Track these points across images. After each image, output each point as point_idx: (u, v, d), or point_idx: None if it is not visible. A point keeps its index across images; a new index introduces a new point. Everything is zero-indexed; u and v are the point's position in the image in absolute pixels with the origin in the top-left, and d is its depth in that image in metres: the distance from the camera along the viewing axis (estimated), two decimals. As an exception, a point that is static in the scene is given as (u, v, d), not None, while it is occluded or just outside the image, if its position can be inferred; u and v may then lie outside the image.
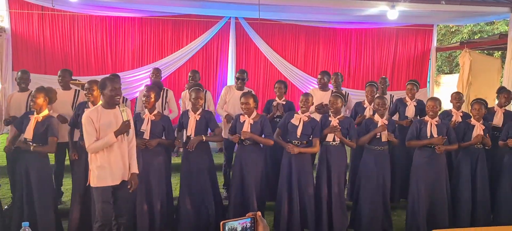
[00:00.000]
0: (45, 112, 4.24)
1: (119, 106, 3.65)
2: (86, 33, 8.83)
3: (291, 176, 4.57)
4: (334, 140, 4.68)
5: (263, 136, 4.55)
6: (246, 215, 1.81)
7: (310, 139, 4.64)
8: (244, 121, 4.54)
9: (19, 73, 5.18)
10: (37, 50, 8.64)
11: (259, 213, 1.83)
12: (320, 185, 4.70)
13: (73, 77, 5.49)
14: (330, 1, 7.66)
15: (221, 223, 1.73)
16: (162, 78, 8.72)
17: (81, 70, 8.75)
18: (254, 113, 4.58)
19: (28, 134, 4.16)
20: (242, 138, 4.48)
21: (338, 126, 4.65)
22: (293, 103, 5.67)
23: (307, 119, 4.59)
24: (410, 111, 5.69)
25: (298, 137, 4.55)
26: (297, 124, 4.56)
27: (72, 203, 4.43)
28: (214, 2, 7.40)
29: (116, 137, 3.51)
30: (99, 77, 5.43)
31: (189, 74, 6.20)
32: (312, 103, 4.76)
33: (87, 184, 3.72)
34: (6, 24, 8.50)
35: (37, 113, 4.20)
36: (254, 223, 1.80)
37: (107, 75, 3.74)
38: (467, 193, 4.90)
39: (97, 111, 3.56)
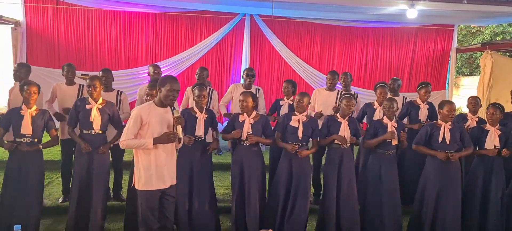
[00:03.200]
0: (35, 106, 4.21)
1: (172, 108, 3.58)
2: (100, 28, 8.81)
3: (291, 177, 4.44)
4: (344, 144, 4.53)
5: (262, 136, 4.46)
6: None
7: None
8: (244, 120, 4.40)
9: (16, 66, 5.19)
10: (51, 45, 8.65)
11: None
12: (329, 190, 4.54)
13: (84, 72, 5.46)
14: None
15: None
16: (176, 75, 8.71)
17: (94, 65, 8.73)
18: (254, 113, 4.45)
19: (27, 129, 4.13)
20: (247, 140, 4.37)
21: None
22: None
23: (305, 119, 4.46)
24: (423, 114, 5.48)
25: (300, 138, 4.42)
26: (296, 126, 4.42)
27: (70, 201, 4.35)
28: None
29: (154, 144, 3.37)
30: (113, 73, 5.40)
31: (196, 71, 6.06)
32: (308, 103, 4.59)
33: (132, 186, 3.63)
34: (21, 17, 8.53)
35: (29, 108, 4.16)
36: None
37: (167, 75, 3.66)
38: (478, 203, 4.69)
39: (149, 107, 3.45)
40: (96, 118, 4.23)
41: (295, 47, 9.46)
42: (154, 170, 3.44)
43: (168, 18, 9.00)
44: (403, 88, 9.07)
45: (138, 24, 8.95)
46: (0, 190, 4.37)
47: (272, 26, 9.22)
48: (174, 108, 3.53)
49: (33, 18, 8.57)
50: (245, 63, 9.07)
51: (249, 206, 4.39)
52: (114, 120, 4.39)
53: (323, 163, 5.33)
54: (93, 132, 4.26)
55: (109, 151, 4.61)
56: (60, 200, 5.24)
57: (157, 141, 3.37)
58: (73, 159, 4.96)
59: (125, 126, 4.00)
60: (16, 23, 8.50)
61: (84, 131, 4.26)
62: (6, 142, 4.16)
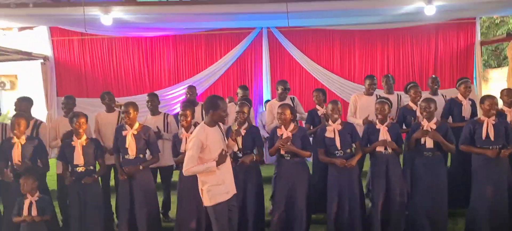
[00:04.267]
0: (85, 136, 4.38)
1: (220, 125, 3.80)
2: (123, 55, 9.13)
3: (341, 191, 4.39)
4: (386, 149, 4.44)
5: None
6: None
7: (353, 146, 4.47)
8: (282, 134, 4.39)
9: (64, 99, 5.35)
10: (78, 75, 9.01)
11: None
12: (376, 198, 4.47)
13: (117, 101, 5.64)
14: (360, 3, 7.44)
15: None
16: (198, 95, 8.86)
17: (120, 91, 9.01)
18: (292, 126, 4.42)
19: (79, 159, 4.32)
20: (283, 149, 4.34)
21: (386, 139, 4.42)
22: None
23: (340, 127, 4.41)
24: (467, 111, 5.18)
25: (339, 148, 4.37)
26: (332, 136, 4.38)
27: (119, 225, 4.51)
28: (244, 13, 7.39)
29: (217, 166, 3.56)
30: (137, 98, 5.58)
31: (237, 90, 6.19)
32: (340, 110, 4.51)
33: (205, 206, 3.77)
34: (49, 52, 8.91)
35: (79, 138, 4.32)
36: None
37: (213, 95, 3.85)
38: None
39: (204, 130, 3.61)
40: (131, 144, 4.36)
41: (315, 55, 9.47)
42: (220, 184, 3.64)
43: (188, 39, 9.22)
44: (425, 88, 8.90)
45: (159, 48, 9.21)
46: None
47: (290, 37, 9.27)
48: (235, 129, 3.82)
49: (60, 51, 8.97)
50: (266, 76, 9.14)
51: (296, 221, 4.36)
52: (149, 143, 4.49)
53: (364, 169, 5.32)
54: (129, 157, 4.39)
55: (153, 174, 4.79)
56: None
57: (219, 163, 3.56)
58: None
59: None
60: (45, 58, 8.89)
61: (125, 157, 4.42)
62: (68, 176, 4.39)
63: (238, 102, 4.70)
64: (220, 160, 3.56)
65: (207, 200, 3.63)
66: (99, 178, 4.65)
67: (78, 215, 4.32)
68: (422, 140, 4.40)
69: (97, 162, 4.53)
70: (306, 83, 9.42)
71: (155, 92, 8.99)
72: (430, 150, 4.40)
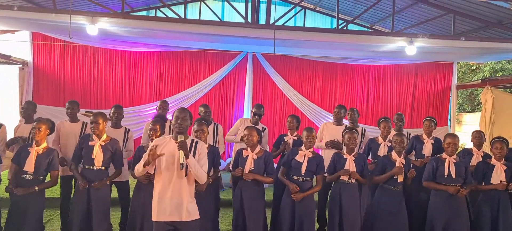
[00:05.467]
0: (44, 144, 4.25)
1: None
2: (105, 66, 9.02)
3: (294, 214, 4.41)
4: (349, 179, 4.53)
5: (264, 174, 4.46)
6: None
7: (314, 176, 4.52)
8: (247, 155, 4.42)
9: (24, 104, 5.23)
10: (57, 83, 8.82)
11: None
12: (333, 226, 4.51)
13: (88, 110, 5.52)
14: (345, 37, 7.62)
15: None
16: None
17: (99, 103, 8.85)
18: (258, 148, 4.48)
19: (29, 166, 4.15)
20: (244, 178, 4.38)
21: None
22: None
23: (311, 155, 4.48)
24: (427, 149, 5.47)
25: (303, 173, 4.42)
26: (301, 161, 4.44)
27: None
28: (231, 36, 7.44)
29: (144, 166, 3.28)
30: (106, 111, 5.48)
31: (199, 108, 6.09)
32: (314, 138, 4.58)
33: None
34: (28, 57, 8.72)
35: (37, 146, 4.20)
36: None
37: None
38: None
39: (164, 140, 3.40)
40: (98, 155, 4.26)
41: (297, 84, 9.61)
42: (157, 200, 3.37)
43: (172, 56, 9.20)
44: (405, 125, 9.11)
45: (142, 62, 9.15)
46: (4, 226, 4.35)
47: (274, 64, 9.39)
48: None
49: (40, 57, 8.77)
50: (248, 100, 9.18)
51: None
52: (115, 157, 4.40)
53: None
54: (94, 168, 4.27)
55: (111, 187, 4.62)
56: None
57: (146, 162, 3.26)
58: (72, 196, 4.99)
59: (131, 162, 4.05)
60: (24, 63, 8.69)
61: (86, 167, 4.29)
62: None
63: (196, 121, 4.50)
64: (148, 158, 3.23)
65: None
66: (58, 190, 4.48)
67: (16, 225, 4.13)
68: (395, 176, 4.54)
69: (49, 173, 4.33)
70: (287, 110, 9.50)
71: (135, 106, 9.01)
72: (399, 184, 4.57)
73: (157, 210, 3.36)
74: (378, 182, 4.64)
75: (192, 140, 3.47)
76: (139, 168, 3.35)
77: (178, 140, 3.26)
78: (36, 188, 4.14)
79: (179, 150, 3.22)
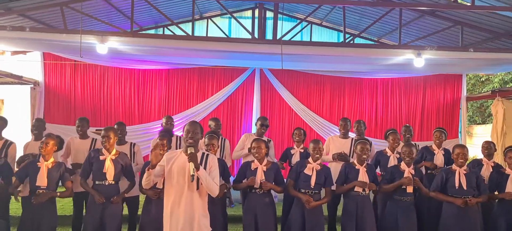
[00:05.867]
0: (52, 159, 4.29)
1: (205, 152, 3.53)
2: (115, 84, 9.12)
3: (304, 226, 4.37)
4: (363, 190, 4.50)
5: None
6: None
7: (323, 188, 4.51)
8: (256, 168, 4.40)
9: (34, 121, 5.30)
10: (68, 102, 8.93)
11: None
12: None
13: (98, 128, 5.59)
14: (353, 50, 7.64)
15: None
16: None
17: (109, 121, 8.92)
18: (266, 161, 4.47)
19: (42, 181, 4.19)
20: (260, 188, 4.35)
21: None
22: None
23: (319, 167, 4.46)
24: (439, 160, 5.45)
25: (312, 186, 4.40)
26: (310, 174, 4.42)
27: None
28: (239, 53, 7.50)
29: (150, 169, 3.34)
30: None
31: (209, 122, 6.17)
32: (320, 150, 4.58)
33: None
34: (40, 77, 8.87)
35: (46, 160, 4.24)
36: None
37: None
38: None
39: (174, 154, 3.40)
40: (109, 169, 4.28)
41: (305, 98, 9.61)
42: (169, 215, 3.35)
43: (181, 73, 9.28)
44: (414, 138, 9.05)
45: (151, 80, 9.24)
46: None
47: (282, 79, 9.42)
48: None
49: (51, 77, 8.90)
50: (256, 115, 9.18)
51: None
52: (126, 170, 4.44)
53: (338, 213, 5.29)
54: (106, 183, 4.29)
55: (124, 204, 4.64)
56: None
57: (151, 165, 3.31)
58: (84, 213, 5.01)
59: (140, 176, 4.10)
60: (35, 83, 8.83)
61: (97, 182, 4.31)
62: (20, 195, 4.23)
63: (206, 134, 4.62)
64: (153, 160, 3.29)
65: None
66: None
67: None
68: (403, 186, 4.50)
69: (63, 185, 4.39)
70: (295, 125, 9.44)
71: (144, 124, 9.07)
72: (408, 195, 4.52)
73: (169, 224, 3.34)
74: (386, 191, 4.60)
75: (203, 153, 3.49)
76: (146, 177, 3.36)
77: (188, 152, 3.24)
78: (58, 193, 4.21)
79: (189, 162, 3.21)
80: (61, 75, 8.94)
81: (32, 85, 8.84)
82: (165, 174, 3.36)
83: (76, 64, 8.92)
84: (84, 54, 7.17)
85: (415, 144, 6.01)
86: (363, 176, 4.50)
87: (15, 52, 8.88)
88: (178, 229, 3.32)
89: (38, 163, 4.26)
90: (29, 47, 8.25)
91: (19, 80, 8.37)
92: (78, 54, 6.97)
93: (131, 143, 5.28)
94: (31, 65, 9.15)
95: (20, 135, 5.11)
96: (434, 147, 5.55)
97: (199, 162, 3.31)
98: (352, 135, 5.97)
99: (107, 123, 8.85)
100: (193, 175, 3.19)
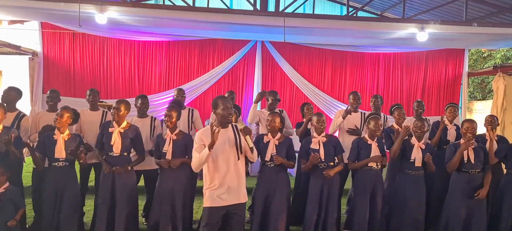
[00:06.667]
0: (67, 131, 4.27)
1: (234, 124, 3.61)
2: (114, 56, 9.01)
3: (322, 199, 4.40)
4: (377, 165, 4.52)
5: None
6: None
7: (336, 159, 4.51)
8: (268, 141, 4.38)
9: (49, 92, 5.22)
10: (67, 73, 8.85)
11: None
12: (361, 211, 4.50)
13: (99, 100, 5.52)
14: (356, 23, 7.53)
15: None
16: (189, 102, 8.79)
17: (109, 93, 8.88)
18: (279, 134, 4.43)
19: (60, 153, 4.19)
20: (271, 161, 4.32)
21: (380, 156, 4.53)
22: None
23: (325, 139, 4.46)
24: (452, 135, 5.39)
25: (323, 159, 4.40)
26: (317, 148, 4.42)
27: (98, 222, 4.35)
28: (240, 25, 7.39)
29: (210, 149, 3.31)
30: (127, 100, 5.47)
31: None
32: (324, 122, 4.57)
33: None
34: (38, 47, 8.76)
35: (61, 133, 4.22)
36: None
37: (217, 96, 3.63)
38: (508, 222, 4.58)
39: (209, 130, 3.39)
40: (116, 141, 4.28)
41: (306, 72, 9.54)
42: (214, 187, 3.46)
43: (181, 45, 9.17)
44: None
45: (151, 53, 9.13)
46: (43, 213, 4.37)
47: (283, 52, 9.33)
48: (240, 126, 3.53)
49: (49, 47, 8.79)
50: (257, 89, 9.15)
51: (279, 226, 4.29)
52: (136, 143, 4.42)
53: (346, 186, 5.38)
54: (114, 154, 4.30)
55: (138, 175, 4.68)
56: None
57: (210, 145, 3.31)
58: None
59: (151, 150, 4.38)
60: (34, 53, 8.72)
61: (109, 153, 4.34)
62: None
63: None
64: (211, 141, 3.28)
65: (204, 201, 3.54)
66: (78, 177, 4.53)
67: (52, 211, 4.17)
68: (412, 158, 4.51)
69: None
70: (296, 99, 9.47)
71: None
72: (417, 168, 4.53)
73: (216, 195, 3.46)
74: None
75: (232, 125, 3.60)
76: (202, 156, 3.35)
77: (242, 127, 3.44)
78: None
79: (244, 135, 3.46)
80: (60, 46, 8.83)
81: (31, 56, 8.74)
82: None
83: (75, 35, 8.81)
84: (83, 24, 7.05)
85: (426, 118, 5.97)
86: (376, 151, 4.50)
87: (12, 22, 8.73)
88: (226, 199, 3.47)
89: (54, 136, 4.24)
90: (26, 16, 8.08)
91: (17, 50, 8.27)
92: (77, 24, 6.84)
93: (152, 117, 5.18)
94: (30, 36, 9.04)
95: (19, 105, 5.02)
96: (446, 122, 5.47)
97: (233, 133, 3.51)
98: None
99: (107, 95, 8.81)
100: (252, 148, 3.47)
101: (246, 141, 3.46)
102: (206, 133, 3.43)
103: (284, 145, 4.39)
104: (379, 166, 4.55)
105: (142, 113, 5.08)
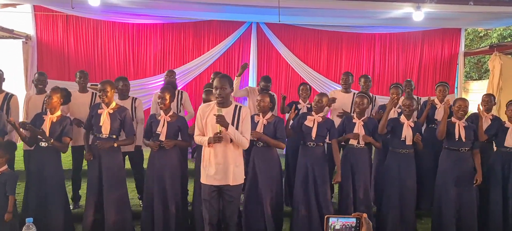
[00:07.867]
0: (58, 113, 4.28)
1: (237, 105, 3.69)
2: (108, 39, 8.93)
3: (308, 178, 4.43)
4: (358, 143, 4.54)
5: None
6: (352, 214, 1.82)
7: (327, 140, 4.53)
8: (258, 121, 4.42)
9: (36, 75, 5.22)
10: (61, 57, 8.77)
11: (365, 214, 1.81)
12: (345, 190, 4.55)
13: (93, 83, 5.54)
14: (351, 3, 7.47)
15: (326, 217, 1.78)
16: (184, 85, 8.77)
17: (103, 76, 8.80)
18: (269, 114, 4.46)
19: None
20: (252, 137, 4.31)
21: (359, 133, 4.59)
22: None
23: (321, 119, 4.47)
24: (440, 114, 5.45)
25: (313, 138, 4.43)
26: (311, 126, 4.44)
27: (86, 207, 4.39)
28: (235, 6, 7.32)
29: (209, 145, 3.54)
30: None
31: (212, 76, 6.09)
32: (326, 104, 4.65)
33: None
34: (31, 31, 8.67)
35: (51, 114, 4.23)
36: (359, 224, 1.79)
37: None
38: (497, 200, 4.65)
39: (208, 107, 3.63)
40: (105, 123, 4.28)
41: (302, 54, 9.50)
42: (206, 165, 3.63)
43: (176, 28, 9.08)
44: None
45: (146, 35, 9.04)
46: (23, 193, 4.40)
47: (279, 34, 9.27)
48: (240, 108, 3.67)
49: (43, 31, 8.69)
50: (252, 72, 9.12)
51: (261, 210, 4.34)
52: (124, 124, 4.43)
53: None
54: (102, 136, 4.30)
55: (124, 157, 4.70)
56: (71, 208, 5.26)
57: (210, 140, 3.53)
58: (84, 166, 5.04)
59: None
60: (27, 37, 8.64)
61: (97, 135, 4.34)
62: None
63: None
64: (211, 139, 3.53)
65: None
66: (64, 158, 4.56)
67: (36, 191, 4.21)
68: (402, 136, 4.56)
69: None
70: (292, 81, 9.44)
71: (140, 79, 8.98)
72: (408, 146, 4.59)
73: (206, 173, 3.61)
74: (380, 129, 4.62)
75: (236, 106, 3.65)
76: (201, 141, 3.67)
77: (217, 113, 3.43)
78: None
79: (216, 123, 3.43)
80: (53, 29, 8.72)
81: (24, 40, 8.66)
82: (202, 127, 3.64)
83: (68, 18, 8.70)
84: (76, 6, 6.96)
85: (417, 97, 6.05)
86: (358, 129, 4.55)
87: (4, 5, 8.62)
88: (214, 178, 3.60)
89: (43, 116, 4.28)
90: (18, -1, 8.01)
91: (10, 34, 8.18)
92: (70, 7, 6.76)
93: (133, 98, 5.24)
94: (22, 19, 8.92)
95: (13, 89, 5.02)
96: (436, 101, 5.55)
97: (232, 115, 3.54)
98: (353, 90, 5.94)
99: (102, 78, 8.71)
100: (219, 134, 3.49)
101: (218, 127, 3.49)
102: (204, 110, 3.63)
103: (272, 124, 4.41)
104: (361, 144, 4.57)
105: (124, 95, 5.13)
